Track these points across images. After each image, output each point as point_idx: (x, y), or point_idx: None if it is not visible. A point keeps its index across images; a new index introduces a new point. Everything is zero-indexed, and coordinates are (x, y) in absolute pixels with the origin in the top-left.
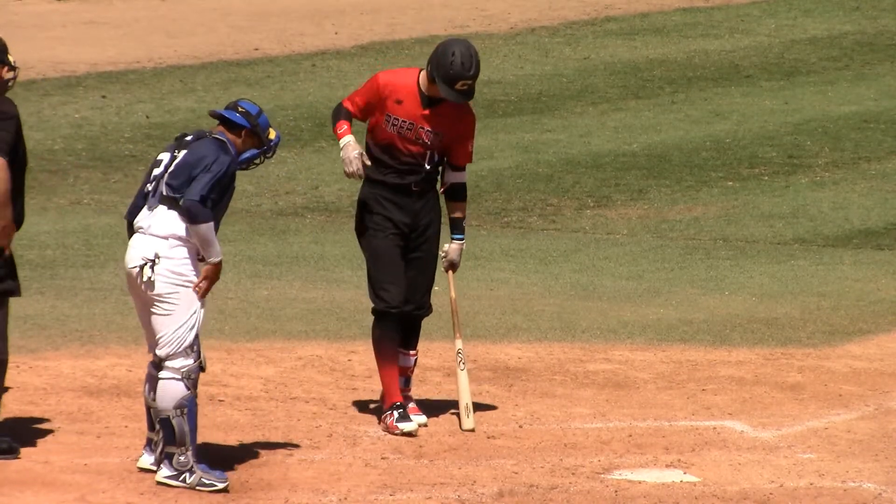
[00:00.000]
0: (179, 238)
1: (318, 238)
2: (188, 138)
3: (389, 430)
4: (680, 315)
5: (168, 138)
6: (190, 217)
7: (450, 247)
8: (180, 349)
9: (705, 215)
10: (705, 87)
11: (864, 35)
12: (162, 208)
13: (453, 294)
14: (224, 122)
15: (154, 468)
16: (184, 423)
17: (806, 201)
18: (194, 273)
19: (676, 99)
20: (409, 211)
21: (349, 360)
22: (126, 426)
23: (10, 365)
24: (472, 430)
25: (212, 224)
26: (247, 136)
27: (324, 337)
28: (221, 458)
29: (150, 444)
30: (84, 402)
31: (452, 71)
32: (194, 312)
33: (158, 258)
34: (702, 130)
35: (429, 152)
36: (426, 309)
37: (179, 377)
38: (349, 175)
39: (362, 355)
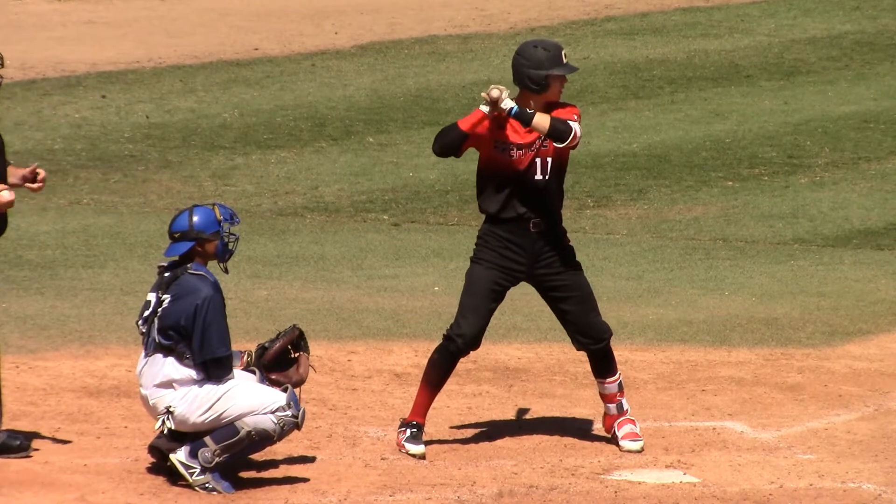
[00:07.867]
0: (178, 381)
1: (317, 238)
2: (167, 276)
3: (398, 445)
4: (680, 315)
5: (168, 138)
6: (208, 375)
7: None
8: (272, 411)
9: (705, 215)
10: (705, 87)
11: (864, 35)
12: (157, 357)
13: None
14: (182, 257)
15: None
16: (244, 442)
17: (806, 201)
18: (211, 383)
19: (676, 99)
20: (527, 252)
21: (349, 360)
22: (126, 426)
23: (10, 365)
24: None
25: (232, 371)
26: (203, 245)
27: (324, 337)
28: None
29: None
30: (84, 403)
31: (550, 51)
32: (250, 397)
33: (173, 408)
34: (701, 130)
35: (538, 160)
36: (601, 342)
37: (276, 420)
38: (493, 99)
39: (362, 355)
